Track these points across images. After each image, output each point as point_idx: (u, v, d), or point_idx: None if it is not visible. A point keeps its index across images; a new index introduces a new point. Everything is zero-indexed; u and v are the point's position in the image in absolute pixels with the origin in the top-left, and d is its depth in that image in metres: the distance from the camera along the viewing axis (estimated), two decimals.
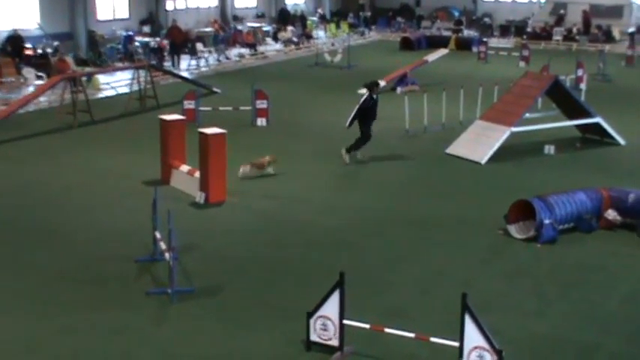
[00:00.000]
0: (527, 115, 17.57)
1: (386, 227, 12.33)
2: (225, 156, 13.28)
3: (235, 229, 12.07)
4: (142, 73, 22.40)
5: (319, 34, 40.55)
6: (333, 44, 35.28)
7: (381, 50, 37.34)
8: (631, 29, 40.96)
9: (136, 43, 31.94)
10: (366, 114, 15.93)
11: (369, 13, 48.51)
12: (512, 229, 11.87)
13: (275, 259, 10.89)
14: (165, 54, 31.51)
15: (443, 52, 28.32)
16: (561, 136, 18.47)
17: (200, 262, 10.66)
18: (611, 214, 12.25)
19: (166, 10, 37.45)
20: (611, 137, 18.12)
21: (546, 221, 11.51)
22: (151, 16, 36.94)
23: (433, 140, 18.30)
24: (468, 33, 42.99)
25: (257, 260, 10.80)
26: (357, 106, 15.90)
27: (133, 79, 22.87)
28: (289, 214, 12.88)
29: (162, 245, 10.10)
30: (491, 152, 16.36)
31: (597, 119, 17.84)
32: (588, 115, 17.87)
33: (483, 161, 16.23)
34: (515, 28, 43.54)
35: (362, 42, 41.17)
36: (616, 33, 40.32)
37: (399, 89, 24.87)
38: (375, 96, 15.94)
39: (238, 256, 10.91)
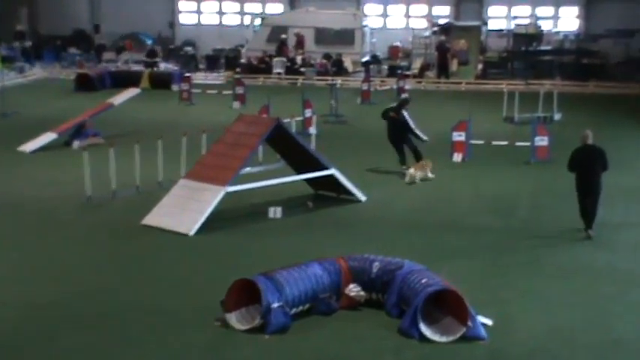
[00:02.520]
0: (247, 169, 17.98)
1: (62, 328, 12.02)
2: None
3: None
4: None
5: None
6: None
7: (50, 92, 36.89)
8: (365, 58, 43.72)
9: None
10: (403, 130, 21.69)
11: (30, 43, 47.58)
12: (233, 319, 11.99)
13: None
14: None
15: (133, 92, 28.60)
16: (289, 194, 19.09)
17: None
18: (353, 290, 12.70)
19: None
20: (350, 193, 18.94)
21: (275, 305, 11.76)
22: None
23: (125, 208, 18.27)
24: (165, 66, 43.60)
25: None
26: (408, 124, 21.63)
27: None
28: None
29: None
30: (201, 220, 16.52)
31: (332, 171, 18.56)
32: (320, 166, 18.51)
33: (192, 232, 16.37)
34: (226, 59, 44.87)
35: (22, 81, 40.39)
36: (348, 63, 42.72)
37: (76, 143, 24.65)
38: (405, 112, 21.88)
39: None
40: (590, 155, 16.38)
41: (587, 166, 16.35)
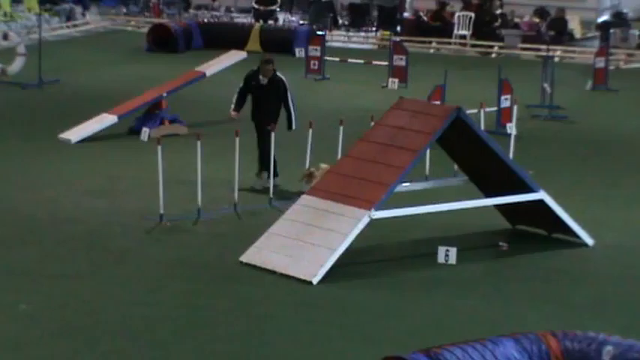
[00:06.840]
0: (405, 185, 18.06)
1: None
2: None
3: None
4: None
5: None
6: (6, 37, 34.74)
7: (111, 51, 37.82)
8: (604, 17, 42.96)
9: None
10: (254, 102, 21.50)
11: None
12: None
13: None
14: None
15: (236, 57, 28.92)
16: (471, 227, 19.05)
17: None
18: None
19: None
20: (569, 231, 18.67)
21: None
22: None
23: (215, 237, 18.44)
24: (286, 19, 43.96)
25: None
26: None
27: None
28: None
29: None
30: (331, 261, 16.52)
31: (540, 195, 18.33)
32: (523, 187, 18.29)
33: (316, 279, 16.35)
34: (381, 12, 44.64)
35: (70, 33, 41.38)
36: (575, 25, 42.52)
37: (145, 132, 25.02)
38: (262, 78, 21.14)
39: None
40: None
41: None
